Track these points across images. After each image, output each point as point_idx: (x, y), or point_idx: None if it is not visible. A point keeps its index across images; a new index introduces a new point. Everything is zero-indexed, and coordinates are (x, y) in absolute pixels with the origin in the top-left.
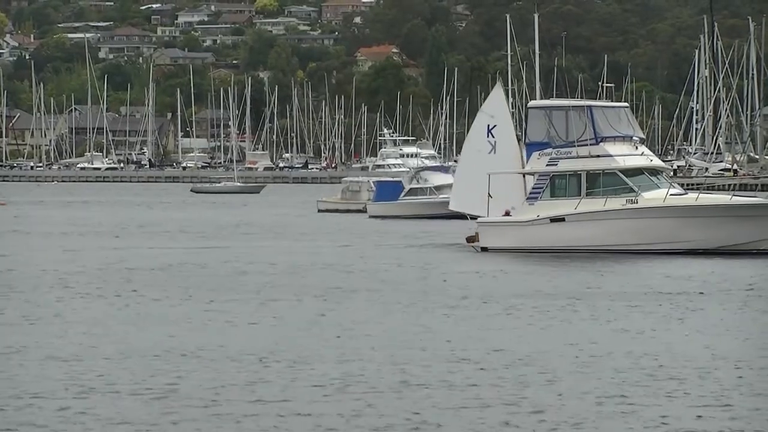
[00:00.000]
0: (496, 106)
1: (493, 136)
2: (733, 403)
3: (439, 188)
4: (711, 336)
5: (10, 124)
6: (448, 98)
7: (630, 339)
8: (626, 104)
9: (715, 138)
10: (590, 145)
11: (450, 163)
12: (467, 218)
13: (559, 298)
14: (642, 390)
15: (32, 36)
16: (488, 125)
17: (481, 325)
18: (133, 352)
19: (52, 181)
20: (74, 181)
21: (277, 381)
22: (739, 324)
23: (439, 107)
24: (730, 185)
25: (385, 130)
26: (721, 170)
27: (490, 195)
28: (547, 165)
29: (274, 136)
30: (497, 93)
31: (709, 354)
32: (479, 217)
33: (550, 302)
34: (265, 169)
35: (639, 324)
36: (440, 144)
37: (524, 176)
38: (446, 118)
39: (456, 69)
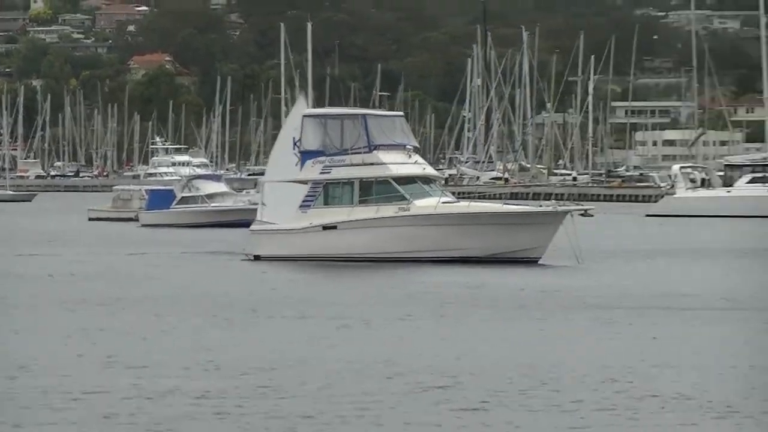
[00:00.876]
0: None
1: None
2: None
3: (210, 197)
4: (460, 344)
5: None
6: (220, 107)
7: (386, 345)
8: (401, 113)
9: (486, 147)
10: (364, 153)
11: (221, 172)
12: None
13: (314, 306)
14: (380, 395)
15: None
16: (294, 138)
17: (240, 333)
18: None
19: None
20: None
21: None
22: (495, 333)
23: (212, 116)
24: (501, 194)
25: (158, 139)
26: (493, 179)
27: (263, 203)
28: (320, 173)
29: (46, 145)
30: (301, 106)
31: (451, 362)
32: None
33: (306, 310)
34: (37, 177)
35: (395, 331)
36: (212, 152)
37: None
38: (219, 127)
39: (229, 77)
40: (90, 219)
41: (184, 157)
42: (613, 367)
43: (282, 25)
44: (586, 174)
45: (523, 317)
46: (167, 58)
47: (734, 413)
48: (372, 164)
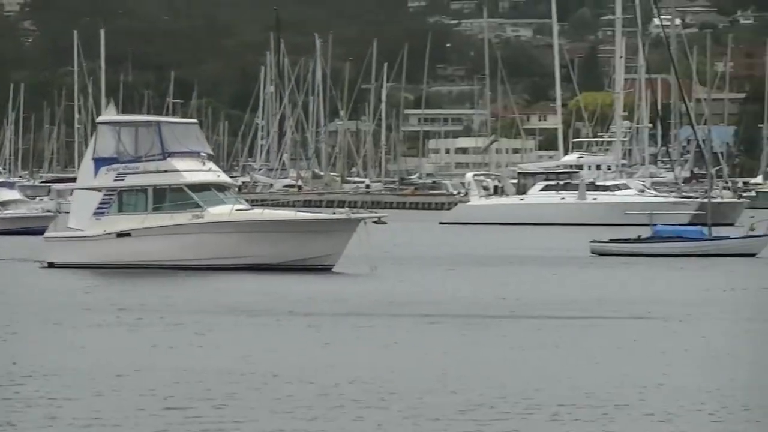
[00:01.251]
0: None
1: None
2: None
3: (4, 204)
4: (244, 349)
5: None
6: (13, 114)
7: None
8: (195, 121)
9: (280, 154)
10: (158, 160)
11: (14, 179)
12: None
13: (98, 314)
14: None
15: None
16: None
17: (38, 342)
18: None
19: None
20: None
21: None
22: (265, 340)
23: (5, 123)
24: (295, 201)
25: None
26: (286, 186)
27: (58, 211)
28: (114, 180)
29: None
30: (111, 113)
31: (242, 367)
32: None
33: (92, 317)
34: None
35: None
36: (5, 159)
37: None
38: (12, 134)
39: (22, 84)
40: None
41: None
42: (365, 371)
43: (75, 32)
44: (380, 182)
45: (301, 324)
46: None
47: (476, 410)
48: (166, 171)
